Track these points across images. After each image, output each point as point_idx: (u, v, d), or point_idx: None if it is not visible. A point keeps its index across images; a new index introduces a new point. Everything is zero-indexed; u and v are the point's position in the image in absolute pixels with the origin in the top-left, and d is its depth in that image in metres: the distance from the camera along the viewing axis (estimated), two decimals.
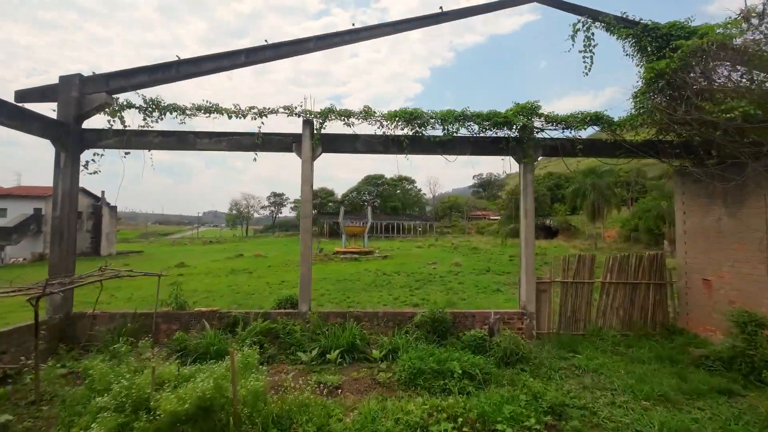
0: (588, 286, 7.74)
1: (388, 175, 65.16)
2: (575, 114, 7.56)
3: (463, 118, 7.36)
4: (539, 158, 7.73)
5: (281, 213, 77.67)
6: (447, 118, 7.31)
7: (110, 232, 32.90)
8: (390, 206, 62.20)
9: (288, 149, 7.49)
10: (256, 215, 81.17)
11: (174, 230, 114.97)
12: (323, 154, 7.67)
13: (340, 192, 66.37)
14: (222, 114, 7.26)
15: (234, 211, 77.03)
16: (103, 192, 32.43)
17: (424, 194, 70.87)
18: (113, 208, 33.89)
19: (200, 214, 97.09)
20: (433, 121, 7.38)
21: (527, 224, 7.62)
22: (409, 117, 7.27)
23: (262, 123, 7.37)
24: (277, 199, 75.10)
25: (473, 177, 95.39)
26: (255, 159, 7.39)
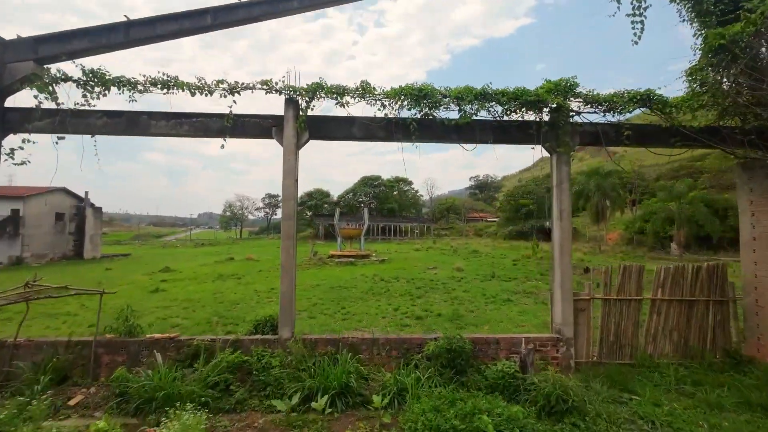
0: (635, 305, 6.25)
1: (385, 177, 63.71)
2: (619, 93, 6.08)
3: (483, 96, 5.85)
4: (575, 148, 6.24)
5: (276, 215, 75.69)
6: (464, 96, 5.79)
7: (95, 234, 31.07)
8: (387, 208, 60.66)
9: (266, 134, 5.94)
10: (250, 217, 79.25)
11: (168, 232, 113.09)
12: (311, 142, 6.14)
13: (335, 194, 64.83)
14: (182, 89, 5.69)
15: (228, 213, 75.06)
16: (86, 192, 30.62)
17: (421, 195, 69.53)
18: (98, 209, 32.06)
19: (192, 216, 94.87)
20: (447, 100, 5.86)
21: (562, 228, 6.12)
22: (417, 95, 5.74)
23: (234, 102, 5.82)
24: (272, 201, 73.12)
25: (470, 179, 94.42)
26: (223, 146, 5.82)
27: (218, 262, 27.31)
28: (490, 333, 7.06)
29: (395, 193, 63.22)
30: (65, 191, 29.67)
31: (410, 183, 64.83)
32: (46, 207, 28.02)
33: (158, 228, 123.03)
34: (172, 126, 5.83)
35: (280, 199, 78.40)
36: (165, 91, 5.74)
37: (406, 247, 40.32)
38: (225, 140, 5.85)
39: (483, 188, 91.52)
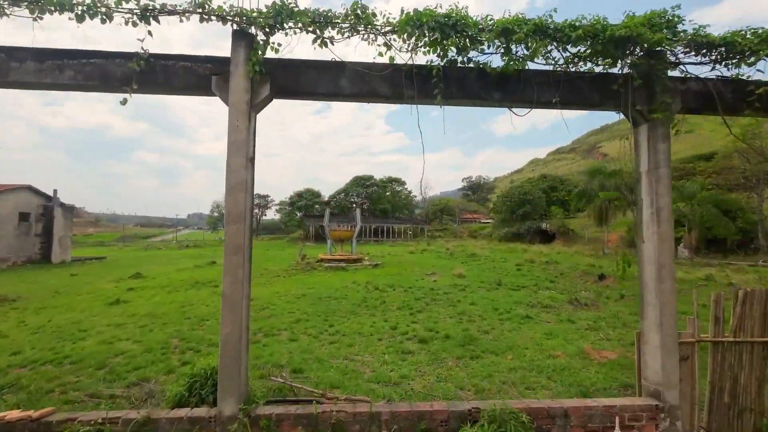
0: (760, 350, 4.16)
1: (378, 176, 61.32)
2: (740, 31, 3.96)
3: (542, 32, 3.69)
4: (676, 114, 4.10)
5: (265, 215, 72.64)
6: (515, 28, 3.63)
7: (64, 235, 28.23)
8: (380, 209, 58.34)
9: (203, 87, 3.68)
10: None
11: (156, 233, 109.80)
12: (281, 105, 4.05)
13: (327, 194, 62.38)
14: (62, 10, 3.43)
15: (216, 213, 71.64)
16: (55, 191, 27.75)
17: (415, 196, 67.29)
18: (69, 209, 29.21)
19: (179, 216, 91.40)
20: (489, 36, 3.68)
21: (660, 236, 3.95)
22: (442, 23, 3.55)
23: (149, 33, 3.57)
24: (261, 201, 70.03)
25: (462, 180, 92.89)
26: (124, 101, 3.55)
27: (198, 266, 24.81)
28: (551, 399, 4.85)
29: (388, 193, 60.95)
30: (31, 189, 26.85)
31: (403, 183, 62.64)
32: (9, 206, 25.23)
33: (146, 229, 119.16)
34: (48, 71, 3.54)
35: (269, 198, 75.26)
36: (35, 14, 3.46)
37: (399, 250, 38.13)
38: (131, 95, 3.57)
39: (475, 189, 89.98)
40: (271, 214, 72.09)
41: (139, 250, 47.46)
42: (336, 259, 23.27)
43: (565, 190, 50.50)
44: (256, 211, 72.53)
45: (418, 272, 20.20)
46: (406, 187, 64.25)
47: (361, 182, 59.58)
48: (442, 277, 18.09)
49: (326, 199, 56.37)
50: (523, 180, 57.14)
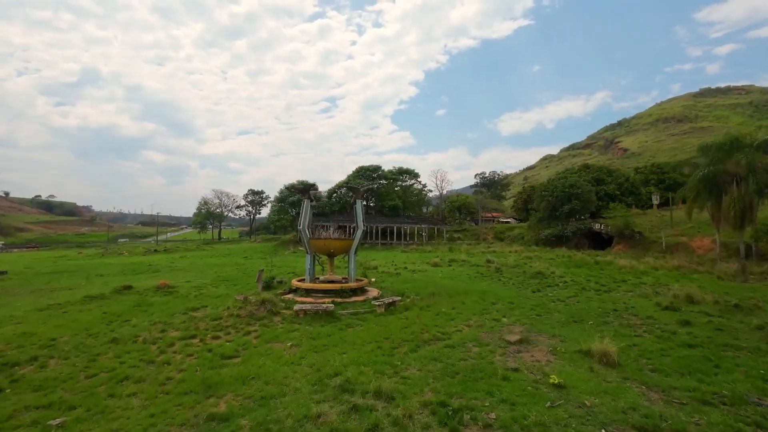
0: None
1: (386, 168, 49.57)
2: None
3: None
4: None
5: (260, 213, 61.55)
6: None
7: None
8: (388, 205, 46.91)
9: None
10: (231, 216, 64.84)
11: (154, 232, 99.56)
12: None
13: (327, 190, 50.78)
14: None
15: (203, 210, 60.22)
16: None
17: (430, 190, 55.50)
18: None
19: (159, 214, 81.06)
20: None
21: None
22: None
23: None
24: (256, 198, 58.85)
25: (475, 176, 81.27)
26: None
27: (90, 298, 13.79)
28: None
29: (397, 187, 49.38)
30: None
31: (416, 175, 50.84)
32: None
33: (145, 228, 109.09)
34: None
35: (264, 195, 64.12)
36: None
37: (417, 258, 27.04)
38: None
39: (489, 185, 78.45)
40: (266, 212, 61.09)
41: (93, 257, 36.79)
42: (319, 290, 12.26)
43: (615, 182, 39.02)
44: (250, 209, 61.43)
45: (480, 326, 9.15)
46: (419, 180, 52.51)
47: (365, 173, 47.97)
48: (562, 364, 7.02)
49: (320, 191, 44.63)
50: (563, 172, 45.24)
